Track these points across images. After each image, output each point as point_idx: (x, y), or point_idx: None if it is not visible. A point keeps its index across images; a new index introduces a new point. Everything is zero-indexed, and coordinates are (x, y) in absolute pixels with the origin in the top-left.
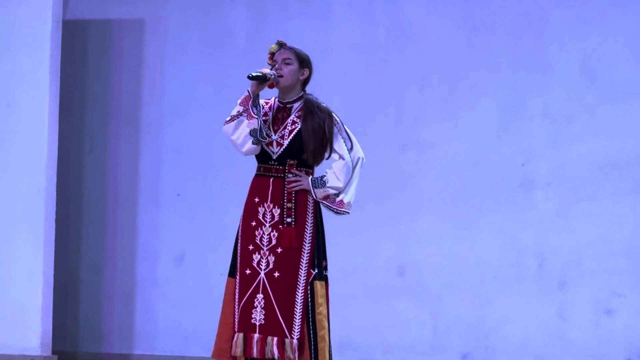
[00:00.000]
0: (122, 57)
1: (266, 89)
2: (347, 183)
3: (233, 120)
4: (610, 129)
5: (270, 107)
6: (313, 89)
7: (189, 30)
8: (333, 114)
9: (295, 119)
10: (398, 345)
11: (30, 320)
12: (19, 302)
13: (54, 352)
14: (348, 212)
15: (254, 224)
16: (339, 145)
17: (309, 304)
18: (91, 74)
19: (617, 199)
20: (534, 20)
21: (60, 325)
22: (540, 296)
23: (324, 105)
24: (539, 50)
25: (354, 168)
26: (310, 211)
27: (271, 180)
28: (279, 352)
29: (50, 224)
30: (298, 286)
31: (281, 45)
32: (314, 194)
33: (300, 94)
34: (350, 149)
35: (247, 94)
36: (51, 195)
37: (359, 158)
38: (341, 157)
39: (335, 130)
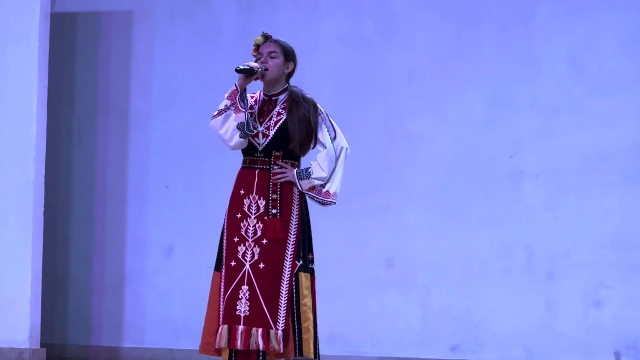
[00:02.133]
0: (110, 49)
1: (253, 81)
2: (332, 173)
3: (220, 115)
4: (598, 121)
5: (255, 101)
6: (301, 82)
7: (177, 22)
8: (317, 104)
9: (280, 110)
10: (387, 337)
11: (19, 313)
12: (8, 295)
13: (42, 345)
14: (334, 203)
15: (239, 215)
16: (323, 135)
17: (294, 295)
18: (79, 67)
19: (605, 190)
20: (522, 12)
21: (49, 318)
22: (528, 288)
23: (309, 96)
24: (527, 43)
25: (337, 158)
26: (296, 203)
27: (257, 172)
28: (263, 343)
29: (38, 217)
30: (283, 277)
31: (266, 37)
32: (299, 186)
33: (285, 86)
34: (334, 139)
35: (234, 87)
36: (39, 188)
37: (342, 148)
38: (324, 147)
39: (320, 120)
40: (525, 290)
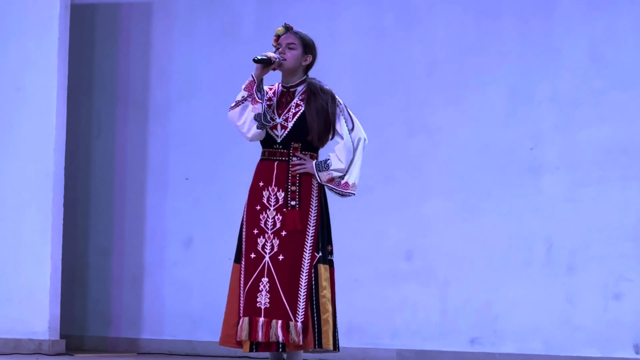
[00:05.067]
0: (130, 40)
1: (271, 72)
2: (350, 164)
3: (238, 106)
4: (619, 113)
5: (274, 92)
6: (321, 73)
7: (196, 13)
8: (336, 96)
9: (298, 101)
10: (406, 329)
11: (39, 305)
12: (27, 287)
13: (62, 337)
14: (353, 194)
15: (258, 207)
16: (341, 126)
17: (313, 287)
18: (99, 58)
19: (626, 183)
20: (542, 4)
21: (68, 310)
22: (548, 281)
23: (327, 87)
24: (547, 35)
25: (355, 149)
26: (315, 194)
27: (275, 163)
28: (283, 335)
29: (58, 208)
30: (302, 269)
31: (287, 28)
32: (318, 177)
33: (303, 78)
34: (351, 130)
35: (251, 78)
36: (59, 180)
37: (359, 139)
38: (343, 138)
39: (338, 111)
40: (544, 283)
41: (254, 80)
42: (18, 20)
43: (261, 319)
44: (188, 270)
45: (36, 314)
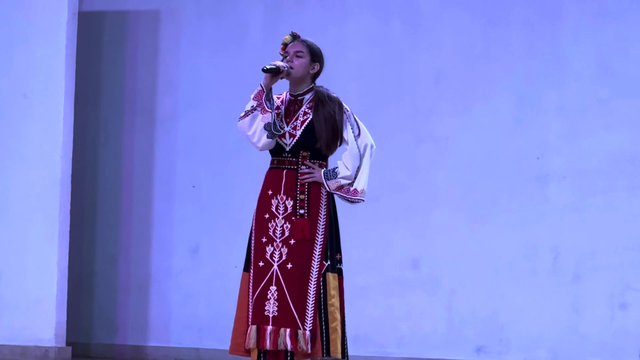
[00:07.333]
0: (137, 48)
1: (279, 81)
2: (357, 171)
3: (247, 116)
4: (625, 122)
5: (282, 101)
6: (328, 81)
7: (204, 21)
8: (343, 103)
9: (306, 110)
10: (412, 338)
11: (45, 312)
12: (34, 294)
13: (68, 344)
14: (363, 200)
15: (267, 216)
16: (347, 133)
17: (321, 295)
18: (106, 65)
19: (632, 192)
20: (550, 13)
21: (74, 317)
22: (554, 290)
23: (334, 95)
24: (554, 44)
25: (362, 155)
26: (324, 203)
27: (284, 172)
28: (291, 344)
29: (65, 215)
30: (310, 278)
31: (295, 37)
32: (326, 186)
33: (311, 86)
34: (357, 136)
35: (260, 88)
36: (66, 187)
37: (366, 145)
38: (348, 145)
39: (345, 118)
40: (551, 292)
41: (263, 89)
42: (25, 27)
43: (269, 327)
44: (194, 278)
45: (43, 321)
